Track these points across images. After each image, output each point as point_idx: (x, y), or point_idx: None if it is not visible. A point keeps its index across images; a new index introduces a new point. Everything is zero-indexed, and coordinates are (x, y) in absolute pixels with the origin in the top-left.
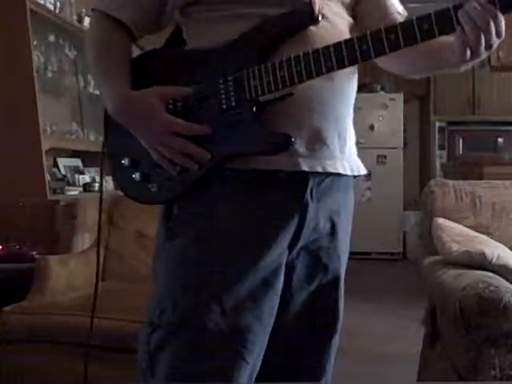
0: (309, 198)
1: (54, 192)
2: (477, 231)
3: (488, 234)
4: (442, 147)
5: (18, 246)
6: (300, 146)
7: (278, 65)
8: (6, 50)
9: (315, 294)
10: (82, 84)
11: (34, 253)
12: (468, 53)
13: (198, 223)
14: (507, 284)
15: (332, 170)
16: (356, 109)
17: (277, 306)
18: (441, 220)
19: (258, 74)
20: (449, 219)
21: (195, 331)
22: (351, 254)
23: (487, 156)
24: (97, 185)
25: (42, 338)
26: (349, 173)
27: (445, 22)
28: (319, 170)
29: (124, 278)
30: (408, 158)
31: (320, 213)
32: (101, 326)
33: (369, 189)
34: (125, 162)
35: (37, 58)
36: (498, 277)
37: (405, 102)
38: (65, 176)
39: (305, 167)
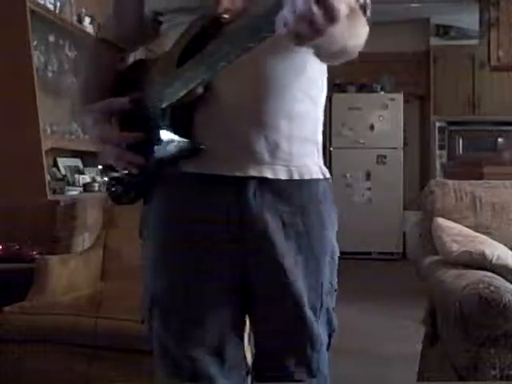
0: (251, 199)
1: (54, 192)
2: (477, 231)
3: (488, 234)
4: (441, 147)
5: (18, 246)
6: (221, 152)
7: (177, 72)
8: (6, 50)
9: (265, 297)
10: None
11: (34, 253)
12: (296, 40)
13: (151, 224)
14: (507, 284)
15: (255, 174)
16: (356, 109)
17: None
18: (441, 220)
19: (163, 82)
20: (449, 219)
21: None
22: (351, 253)
23: (487, 156)
24: (97, 185)
25: (42, 338)
26: (283, 177)
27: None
28: (238, 174)
29: (124, 278)
30: (408, 158)
31: (265, 212)
32: (102, 326)
33: (369, 189)
34: (100, 167)
35: (37, 57)
36: (498, 277)
37: (405, 102)
38: (65, 176)
39: (223, 171)
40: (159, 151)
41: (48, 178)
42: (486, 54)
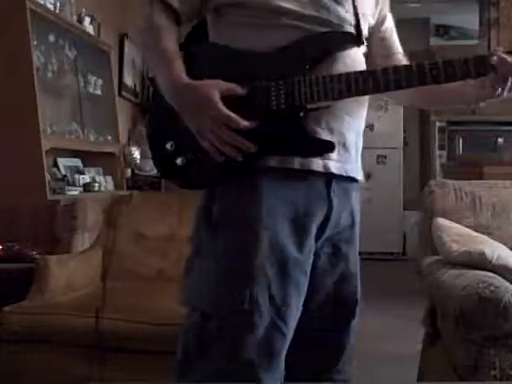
0: (333, 196)
1: (54, 192)
2: (477, 231)
3: (488, 234)
4: (441, 147)
5: (18, 246)
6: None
7: (329, 78)
8: (6, 50)
9: (338, 281)
10: (81, 84)
11: (34, 253)
12: (497, 92)
13: (241, 212)
14: (507, 284)
15: (351, 175)
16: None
17: (306, 286)
18: (441, 220)
19: (309, 83)
20: (449, 219)
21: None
22: None
23: (487, 156)
24: (97, 185)
25: (42, 338)
26: (360, 178)
27: (481, 65)
28: (343, 173)
29: (123, 278)
30: (408, 158)
31: (342, 209)
32: (103, 326)
33: (369, 189)
34: (168, 146)
35: (37, 57)
36: (498, 277)
37: None
38: (65, 176)
39: (333, 170)
40: (267, 144)
41: (48, 177)
42: None
